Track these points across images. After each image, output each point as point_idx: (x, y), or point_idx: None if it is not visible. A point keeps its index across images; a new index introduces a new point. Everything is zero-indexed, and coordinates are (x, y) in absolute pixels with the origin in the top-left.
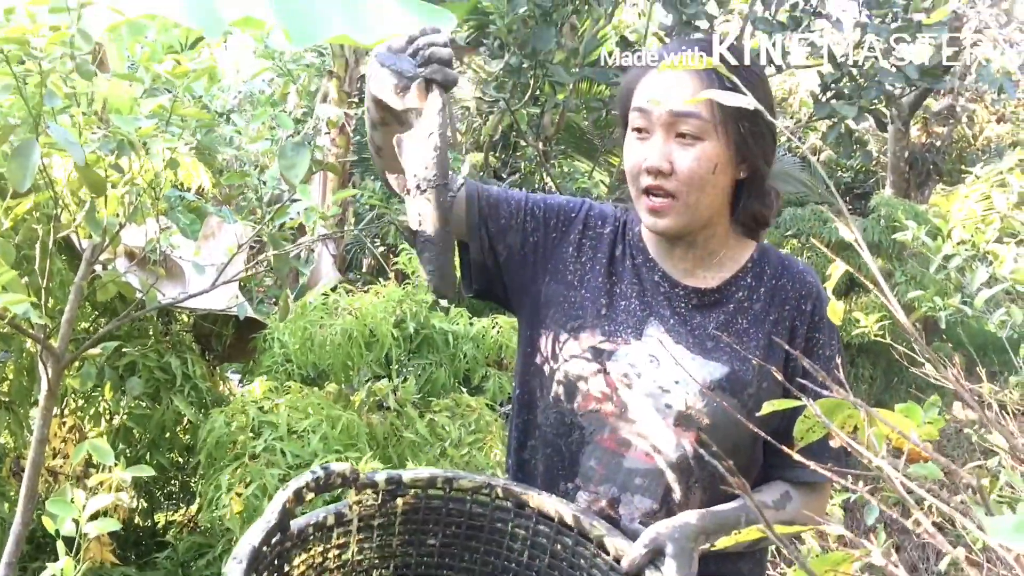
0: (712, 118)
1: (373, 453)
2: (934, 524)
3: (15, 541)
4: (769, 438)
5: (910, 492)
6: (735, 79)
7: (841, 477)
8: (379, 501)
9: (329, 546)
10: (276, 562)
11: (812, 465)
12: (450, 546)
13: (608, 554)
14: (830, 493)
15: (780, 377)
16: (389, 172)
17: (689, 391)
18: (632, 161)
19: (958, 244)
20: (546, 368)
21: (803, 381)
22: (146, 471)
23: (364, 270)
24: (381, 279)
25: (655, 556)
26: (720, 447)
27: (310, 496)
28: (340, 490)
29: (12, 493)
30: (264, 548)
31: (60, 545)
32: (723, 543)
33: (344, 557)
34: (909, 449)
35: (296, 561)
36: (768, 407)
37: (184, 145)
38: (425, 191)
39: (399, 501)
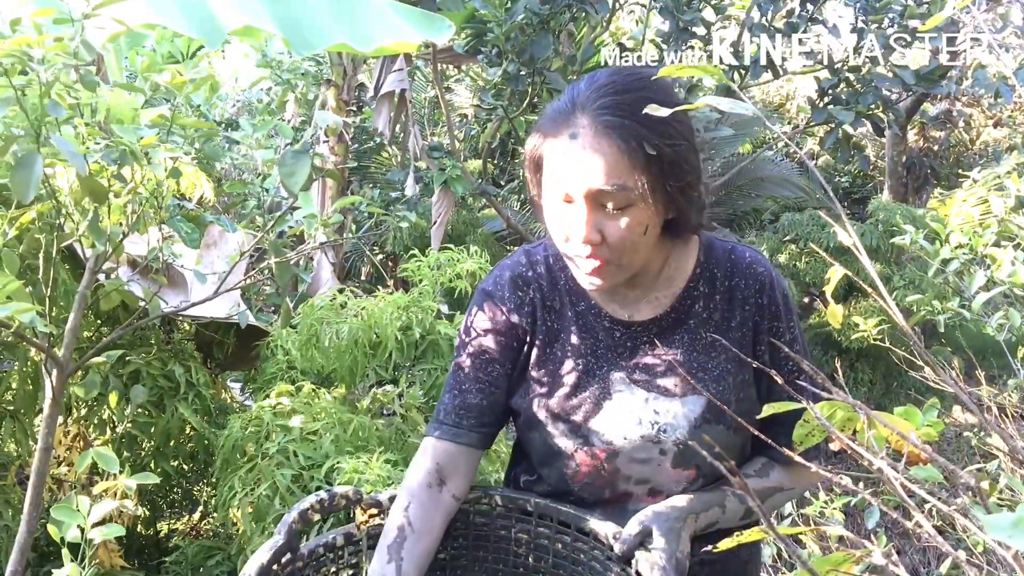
0: (638, 187)
1: (381, 453)
2: (935, 528)
3: (20, 549)
4: (757, 432)
5: (911, 494)
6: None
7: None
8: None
9: (341, 565)
10: None
11: (786, 451)
12: (459, 558)
13: (604, 544)
14: (817, 473)
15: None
16: None
17: (679, 433)
18: (557, 228)
19: (956, 248)
20: (536, 453)
21: (799, 382)
22: (151, 479)
23: (363, 278)
24: (380, 287)
25: (645, 538)
26: (715, 469)
27: (316, 517)
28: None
29: (17, 502)
30: (274, 567)
31: (65, 552)
32: (725, 544)
33: None
34: (909, 452)
35: None
36: (768, 409)
37: (185, 155)
38: None
39: None
